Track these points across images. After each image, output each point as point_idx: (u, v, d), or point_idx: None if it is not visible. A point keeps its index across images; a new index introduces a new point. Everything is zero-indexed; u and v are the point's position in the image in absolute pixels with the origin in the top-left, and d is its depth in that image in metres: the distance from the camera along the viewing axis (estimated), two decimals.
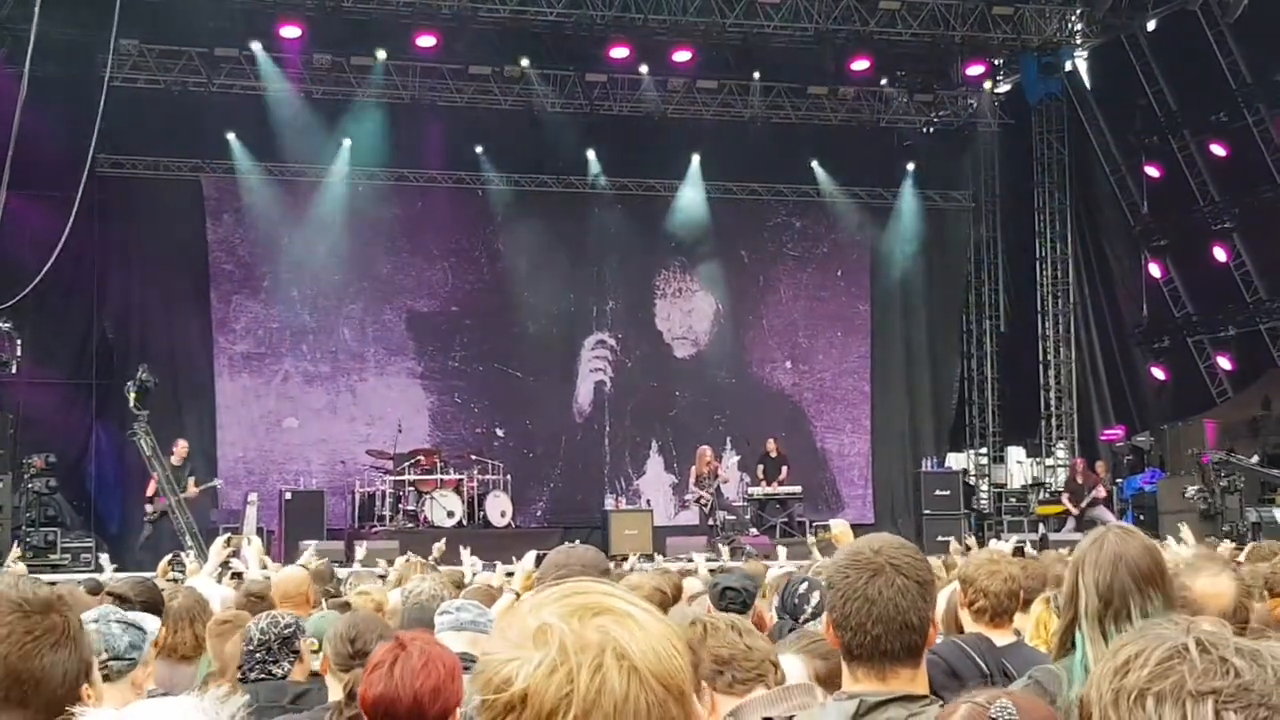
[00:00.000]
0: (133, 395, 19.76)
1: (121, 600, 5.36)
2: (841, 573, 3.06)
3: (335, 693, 4.70)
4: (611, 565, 4.69)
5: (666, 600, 6.66)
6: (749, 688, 3.55)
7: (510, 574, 9.79)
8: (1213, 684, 1.70)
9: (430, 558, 11.62)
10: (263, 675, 5.27)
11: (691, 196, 25.79)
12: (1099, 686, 1.78)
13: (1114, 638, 3.44)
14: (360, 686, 3.73)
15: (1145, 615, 3.51)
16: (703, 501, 22.15)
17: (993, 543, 18.35)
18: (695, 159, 25.54)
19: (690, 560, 15.59)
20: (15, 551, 15.13)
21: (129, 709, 1.51)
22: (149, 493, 20.34)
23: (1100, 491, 22.74)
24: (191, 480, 20.78)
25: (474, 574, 10.02)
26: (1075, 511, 22.67)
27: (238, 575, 11.64)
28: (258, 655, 5.34)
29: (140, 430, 19.80)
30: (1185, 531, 13.31)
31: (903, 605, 2.98)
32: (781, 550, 14.68)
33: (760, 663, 3.56)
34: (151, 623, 4.43)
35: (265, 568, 9.86)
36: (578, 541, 4.77)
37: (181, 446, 20.92)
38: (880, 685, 2.98)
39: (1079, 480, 23.25)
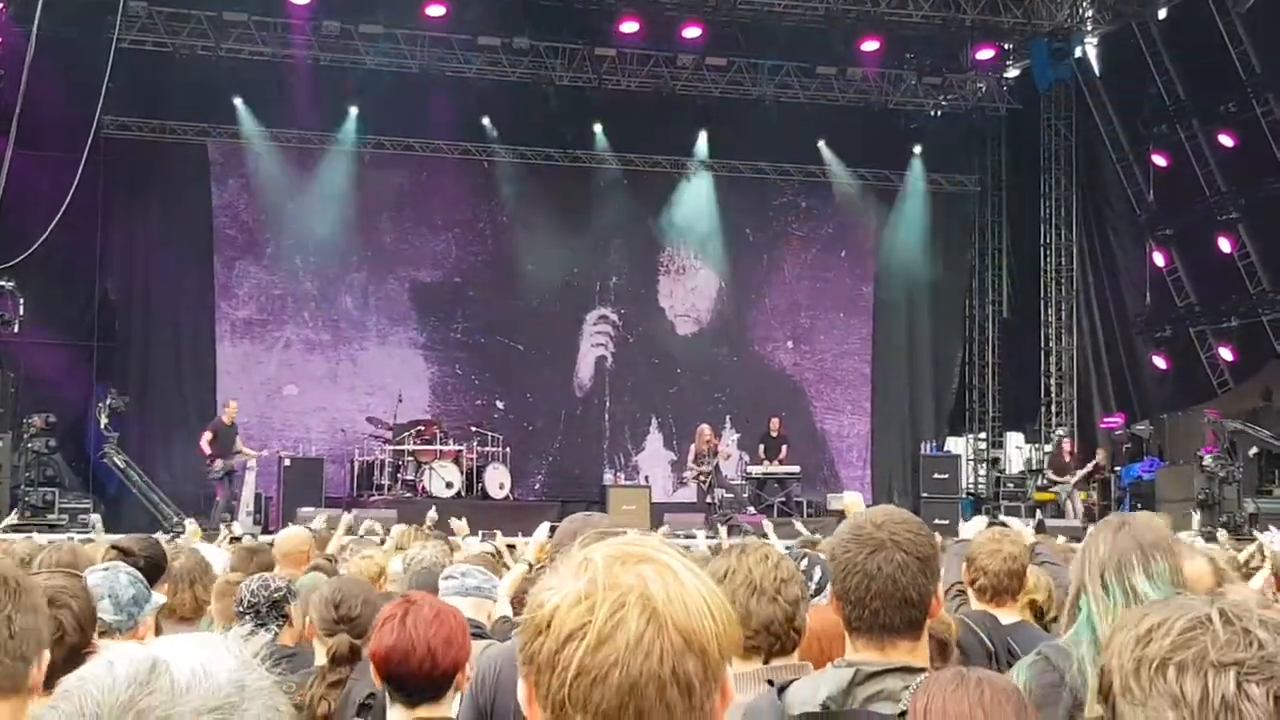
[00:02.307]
0: (104, 418, 20.11)
1: (125, 554, 5.35)
2: (844, 546, 3.08)
3: (321, 657, 4.72)
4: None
5: None
6: (740, 654, 3.37)
7: (511, 545, 9.81)
8: (1235, 655, 1.70)
9: (424, 526, 11.59)
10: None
11: (697, 173, 25.79)
12: (1120, 655, 1.78)
13: (1115, 591, 3.50)
14: (370, 644, 3.73)
15: (1149, 577, 3.53)
16: (701, 479, 22.15)
17: (1014, 523, 18.34)
18: (703, 136, 25.51)
19: (690, 536, 15.64)
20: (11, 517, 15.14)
21: (156, 641, 1.51)
22: (207, 452, 20.47)
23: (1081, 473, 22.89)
24: (238, 440, 21.01)
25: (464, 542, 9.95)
26: (1064, 484, 22.67)
27: (237, 539, 11.69)
28: (247, 617, 5.38)
29: (110, 450, 20.17)
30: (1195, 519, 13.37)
31: (902, 581, 2.99)
32: (768, 525, 14.69)
33: (755, 633, 3.45)
34: (156, 596, 4.42)
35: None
36: (596, 512, 4.68)
37: (232, 407, 21.29)
38: (879, 656, 3.01)
39: (1065, 460, 23.39)
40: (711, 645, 1.68)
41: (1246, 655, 1.70)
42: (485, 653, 4.24)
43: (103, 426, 20.41)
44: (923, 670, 2.96)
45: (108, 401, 20.53)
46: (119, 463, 20.37)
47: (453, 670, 3.64)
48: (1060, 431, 25.16)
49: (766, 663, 3.49)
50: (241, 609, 5.40)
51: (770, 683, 3.19)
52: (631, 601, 1.65)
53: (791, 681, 3.09)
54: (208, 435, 20.74)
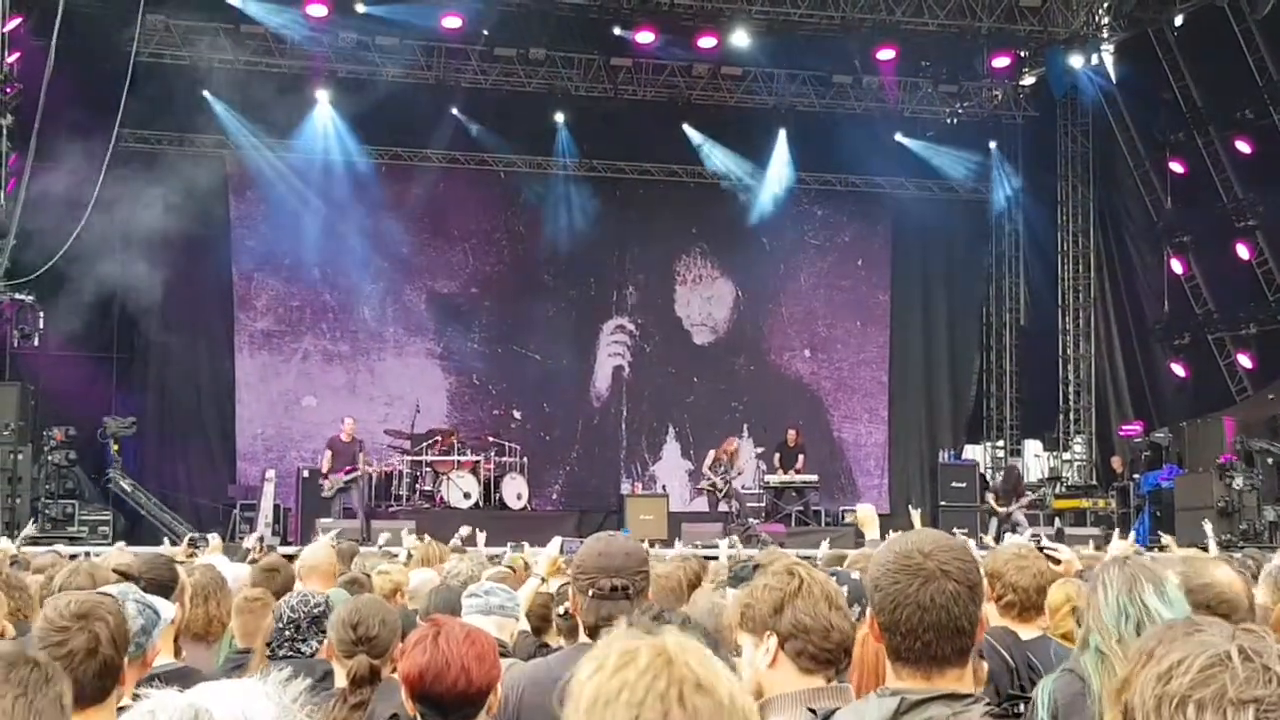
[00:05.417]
0: (114, 446, 20.32)
1: (127, 578, 5.34)
2: (891, 577, 2.98)
3: (341, 679, 4.69)
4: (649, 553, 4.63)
5: (682, 588, 6.63)
6: (813, 668, 3.40)
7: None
8: (1255, 692, 1.71)
9: (452, 542, 11.59)
10: (291, 653, 5.28)
11: (712, 182, 25.80)
12: (1142, 692, 1.79)
13: (1129, 615, 3.56)
14: (400, 665, 3.74)
15: (1161, 595, 3.59)
16: (716, 488, 22.10)
17: (1008, 537, 18.31)
18: (719, 145, 25.50)
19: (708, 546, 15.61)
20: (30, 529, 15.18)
21: (195, 690, 1.53)
22: (324, 469, 20.58)
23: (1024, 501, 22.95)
24: (363, 456, 20.96)
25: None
26: (1001, 513, 22.61)
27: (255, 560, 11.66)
28: (287, 633, 5.36)
29: (115, 475, 20.34)
30: (1207, 528, 13.34)
31: (955, 611, 2.93)
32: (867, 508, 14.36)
33: (836, 647, 3.41)
34: (166, 609, 4.40)
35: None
36: (620, 533, 4.68)
37: (349, 424, 21.18)
38: (925, 684, 2.95)
39: (1014, 485, 23.38)
40: (722, 691, 1.77)
41: (1265, 692, 1.71)
42: (508, 673, 4.23)
43: (114, 451, 20.56)
44: (969, 697, 2.93)
45: (110, 428, 20.68)
46: (125, 486, 20.53)
47: (486, 689, 3.66)
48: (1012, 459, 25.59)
49: (829, 681, 3.47)
50: (281, 625, 5.38)
51: (812, 711, 3.18)
52: (644, 646, 1.77)
53: (834, 710, 3.08)
54: (326, 454, 20.80)
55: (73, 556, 9.71)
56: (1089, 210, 26.92)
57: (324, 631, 5.26)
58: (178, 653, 5.01)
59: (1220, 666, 1.74)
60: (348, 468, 20.56)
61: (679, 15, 23.38)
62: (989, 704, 2.98)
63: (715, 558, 10.26)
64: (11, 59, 19.30)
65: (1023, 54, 25.59)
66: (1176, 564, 5.36)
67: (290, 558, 8.74)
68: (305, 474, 21.91)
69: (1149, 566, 3.72)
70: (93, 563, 7.06)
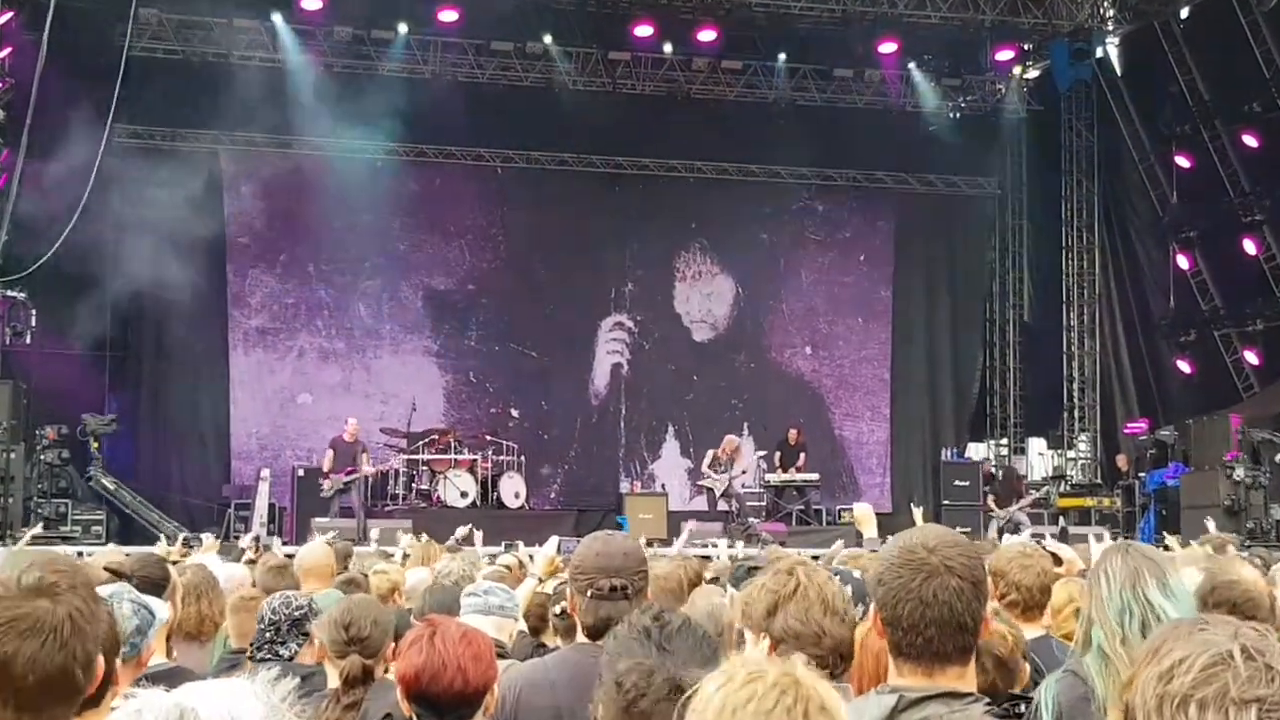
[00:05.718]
0: (94, 444, 20.34)
1: (118, 575, 5.24)
2: (894, 572, 2.96)
3: (334, 680, 4.70)
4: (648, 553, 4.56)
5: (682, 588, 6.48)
6: None
7: (531, 555, 9.62)
8: (1256, 692, 1.72)
9: (449, 541, 11.46)
10: (269, 655, 5.27)
11: (711, 177, 25.62)
12: (1143, 691, 1.79)
13: (1132, 611, 3.52)
14: (396, 665, 3.72)
15: (1165, 591, 3.54)
16: (714, 488, 21.91)
17: (1007, 537, 18.15)
18: (718, 140, 25.31)
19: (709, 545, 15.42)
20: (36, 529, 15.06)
21: (182, 690, 1.41)
22: (324, 468, 20.43)
23: (1025, 501, 22.84)
24: (365, 456, 20.73)
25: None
26: (1001, 514, 22.45)
27: (252, 561, 11.48)
28: (267, 635, 5.35)
29: (97, 473, 20.34)
30: (1210, 525, 13.26)
31: (958, 608, 2.91)
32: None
33: (828, 653, 3.35)
34: (161, 608, 4.36)
35: None
36: (618, 531, 4.59)
37: (353, 425, 20.99)
38: (926, 681, 2.93)
39: (1013, 485, 23.21)
40: (841, 718, 1.91)
41: (1268, 692, 1.71)
42: (506, 674, 4.16)
43: (94, 449, 20.42)
44: (969, 695, 2.91)
45: (90, 426, 20.56)
46: (108, 485, 20.39)
47: (483, 689, 3.63)
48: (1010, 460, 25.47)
49: None
50: (263, 626, 5.38)
51: None
52: (772, 667, 1.93)
53: None
54: (328, 454, 20.63)
55: None
56: (1093, 205, 26.78)
57: (305, 634, 5.26)
58: (169, 652, 4.98)
59: (1222, 665, 1.75)
60: (348, 468, 20.39)
61: (678, 9, 23.25)
62: (988, 703, 2.97)
63: (708, 557, 10.14)
64: (3, 54, 19.26)
65: (1026, 47, 25.48)
66: (1201, 561, 5.33)
67: (288, 557, 8.62)
68: (301, 473, 21.79)
69: (1152, 558, 3.67)
70: (85, 562, 6.89)
